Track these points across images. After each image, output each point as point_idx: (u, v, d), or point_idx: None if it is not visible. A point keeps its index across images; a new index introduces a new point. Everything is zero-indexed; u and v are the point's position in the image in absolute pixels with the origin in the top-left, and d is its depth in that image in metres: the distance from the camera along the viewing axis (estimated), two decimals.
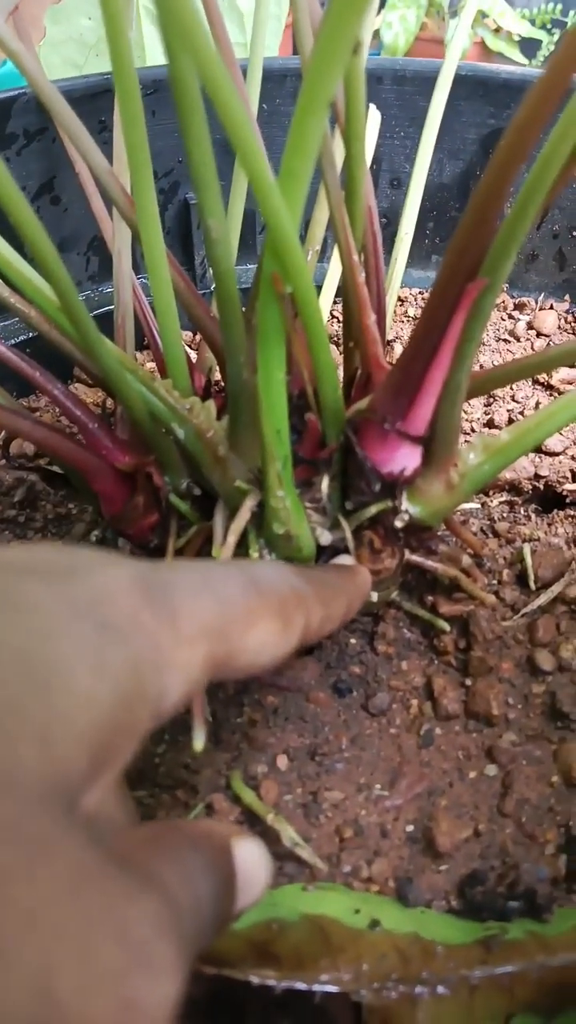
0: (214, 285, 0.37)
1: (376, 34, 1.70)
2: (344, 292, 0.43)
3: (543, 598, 0.47)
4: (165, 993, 0.19)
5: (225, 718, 0.45)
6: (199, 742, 0.34)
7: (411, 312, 0.71)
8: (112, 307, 0.51)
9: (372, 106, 0.52)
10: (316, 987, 0.33)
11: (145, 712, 0.23)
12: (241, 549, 0.44)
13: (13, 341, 0.64)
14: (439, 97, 0.52)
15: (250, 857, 0.25)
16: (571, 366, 0.64)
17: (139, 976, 0.19)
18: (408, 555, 0.46)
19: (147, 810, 0.42)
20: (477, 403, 0.61)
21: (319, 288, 0.58)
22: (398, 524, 0.43)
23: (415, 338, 0.36)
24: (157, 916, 0.20)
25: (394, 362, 0.39)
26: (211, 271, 0.38)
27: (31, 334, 0.65)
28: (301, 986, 0.33)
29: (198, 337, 0.69)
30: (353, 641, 0.48)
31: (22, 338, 0.65)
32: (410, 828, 0.41)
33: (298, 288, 0.35)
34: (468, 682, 0.45)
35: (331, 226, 0.43)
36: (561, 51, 0.26)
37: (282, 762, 0.43)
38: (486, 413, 0.61)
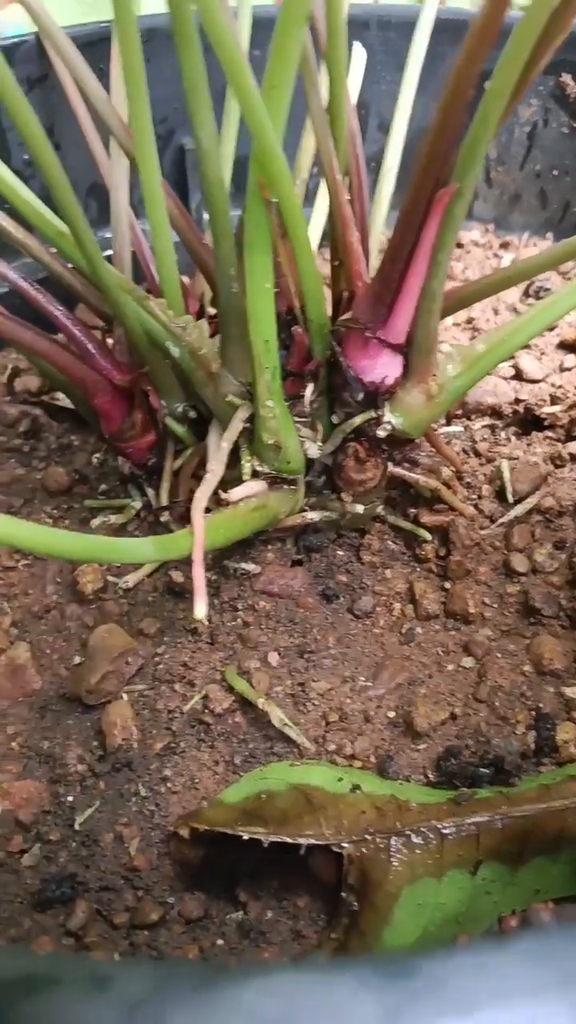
0: (203, 198, 0.40)
1: None
2: (330, 212, 0.46)
3: (519, 508, 0.50)
4: None
5: (220, 622, 0.48)
6: (200, 610, 0.35)
7: None
8: (111, 252, 0.53)
9: (357, 43, 0.54)
10: (300, 840, 0.36)
11: None
12: (234, 463, 0.47)
13: None
14: (419, 40, 0.54)
15: None
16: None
17: None
18: (391, 467, 0.49)
19: (147, 701, 0.44)
20: (463, 336, 0.63)
21: None
22: (380, 434, 0.46)
23: (391, 246, 0.39)
24: None
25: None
26: (205, 207, 0.41)
27: (40, 275, 0.67)
28: (286, 839, 0.36)
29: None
30: (340, 553, 0.51)
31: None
32: (391, 714, 0.43)
33: (281, 195, 0.37)
34: (447, 585, 0.48)
35: (318, 157, 0.46)
36: None
37: (273, 659, 0.46)
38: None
